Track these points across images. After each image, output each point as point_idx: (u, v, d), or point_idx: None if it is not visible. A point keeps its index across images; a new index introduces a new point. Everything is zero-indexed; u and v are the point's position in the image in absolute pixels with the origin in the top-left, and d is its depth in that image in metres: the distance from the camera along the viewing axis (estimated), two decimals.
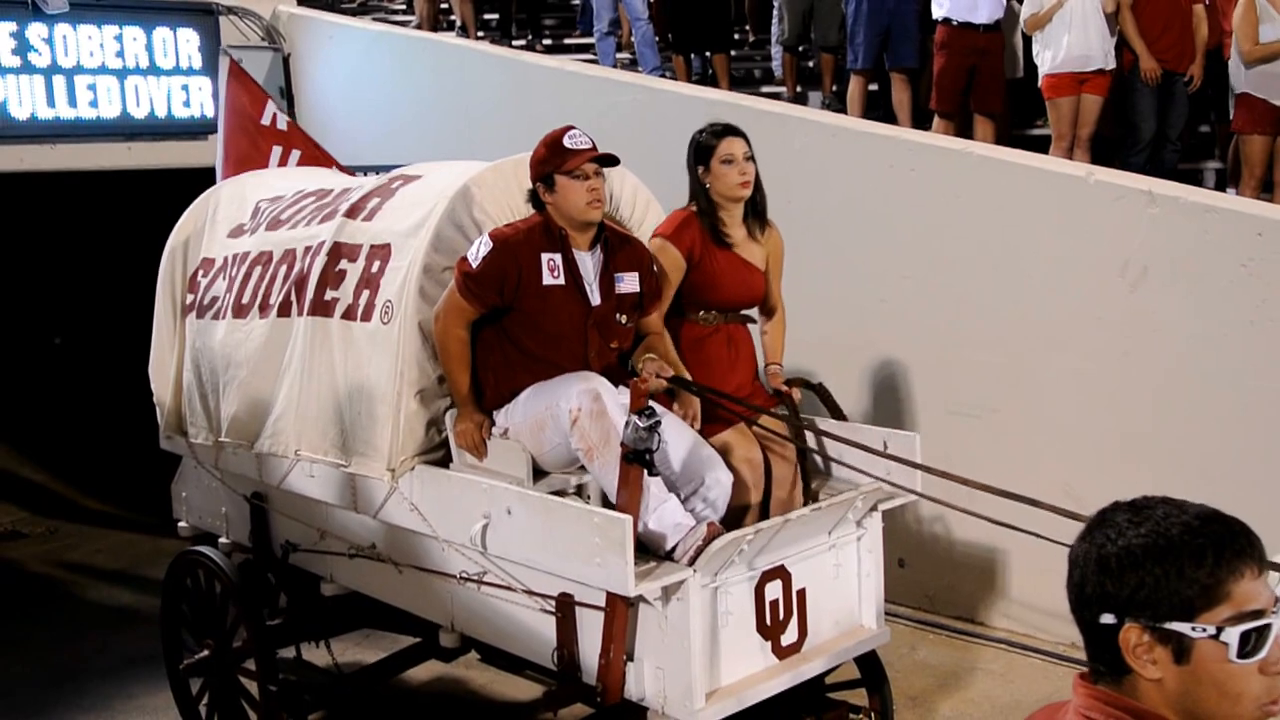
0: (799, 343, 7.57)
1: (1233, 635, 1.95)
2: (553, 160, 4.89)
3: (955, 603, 7.59)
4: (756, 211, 5.55)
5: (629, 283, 5.09)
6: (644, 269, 5.17)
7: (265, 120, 8.06)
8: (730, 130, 5.44)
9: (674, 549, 4.46)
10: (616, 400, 4.70)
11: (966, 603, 7.55)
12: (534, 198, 5.02)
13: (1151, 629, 1.98)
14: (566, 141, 4.88)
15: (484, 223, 5.25)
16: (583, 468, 4.88)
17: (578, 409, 4.64)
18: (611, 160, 4.98)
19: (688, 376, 5.21)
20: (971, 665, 7.00)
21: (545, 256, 4.89)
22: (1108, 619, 2.02)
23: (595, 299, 4.99)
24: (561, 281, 4.92)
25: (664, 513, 4.53)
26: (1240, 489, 5.90)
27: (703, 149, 5.36)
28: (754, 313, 5.70)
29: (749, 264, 5.51)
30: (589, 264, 5.01)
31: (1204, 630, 1.95)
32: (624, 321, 5.12)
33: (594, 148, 4.91)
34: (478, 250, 4.85)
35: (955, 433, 7.23)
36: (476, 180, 5.33)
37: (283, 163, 7.86)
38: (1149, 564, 1.98)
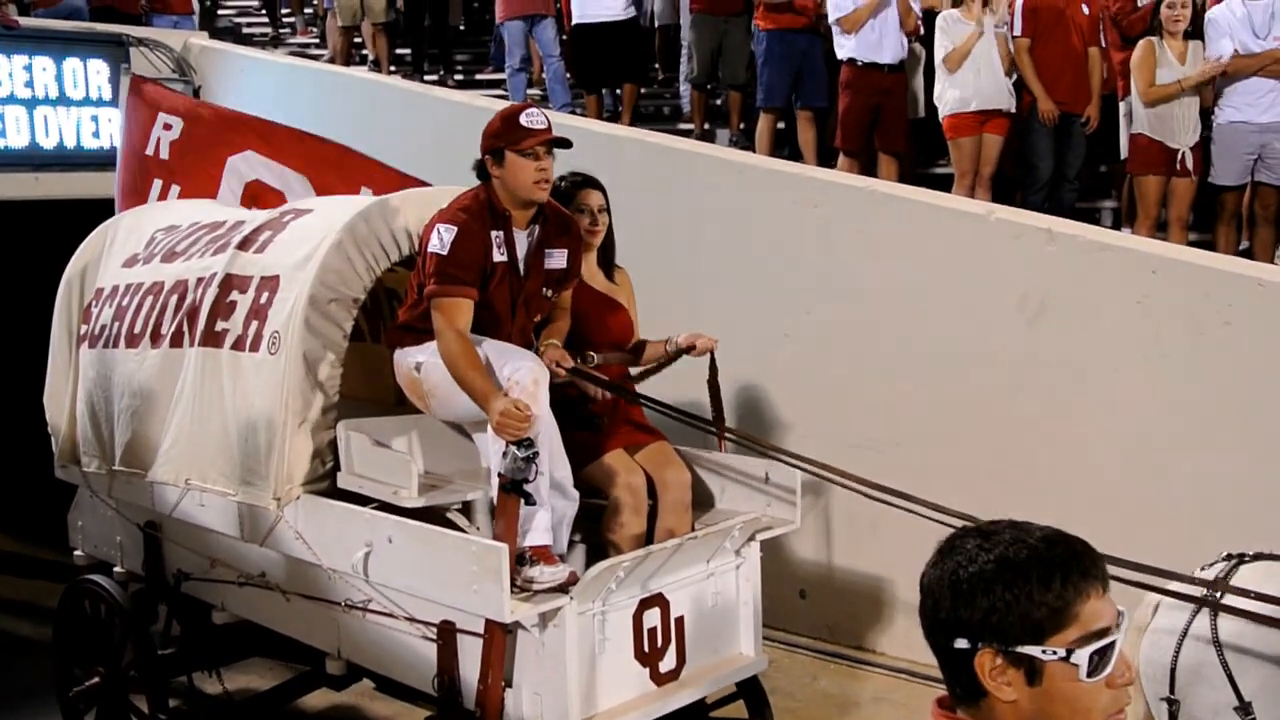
0: (703, 375, 7.66)
1: (1082, 656, 2.01)
2: (506, 135, 4.88)
3: (856, 633, 7.62)
4: (605, 260, 5.73)
5: (558, 258, 5.17)
6: (573, 245, 5.25)
7: (150, 149, 7.73)
8: (588, 182, 5.61)
9: (529, 557, 4.55)
10: (547, 399, 4.79)
11: (868, 633, 7.59)
12: (480, 169, 5.01)
13: (1004, 652, 2.03)
14: (523, 119, 4.88)
15: (372, 258, 5.33)
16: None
17: (517, 383, 4.68)
18: (564, 143, 4.97)
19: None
20: (873, 695, 7.03)
21: (493, 234, 4.94)
22: (962, 644, 2.06)
23: (526, 276, 5.06)
24: (505, 258, 4.97)
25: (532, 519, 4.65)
26: (1132, 520, 6.02)
27: (561, 197, 5.42)
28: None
29: (613, 300, 5.67)
30: (523, 241, 5.06)
31: (1054, 653, 2.01)
32: (549, 295, 5.22)
33: (549, 129, 4.91)
34: (442, 239, 4.83)
35: (858, 466, 7.26)
36: (364, 214, 5.38)
37: (162, 197, 7.52)
38: (998, 589, 2.02)
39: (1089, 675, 2.02)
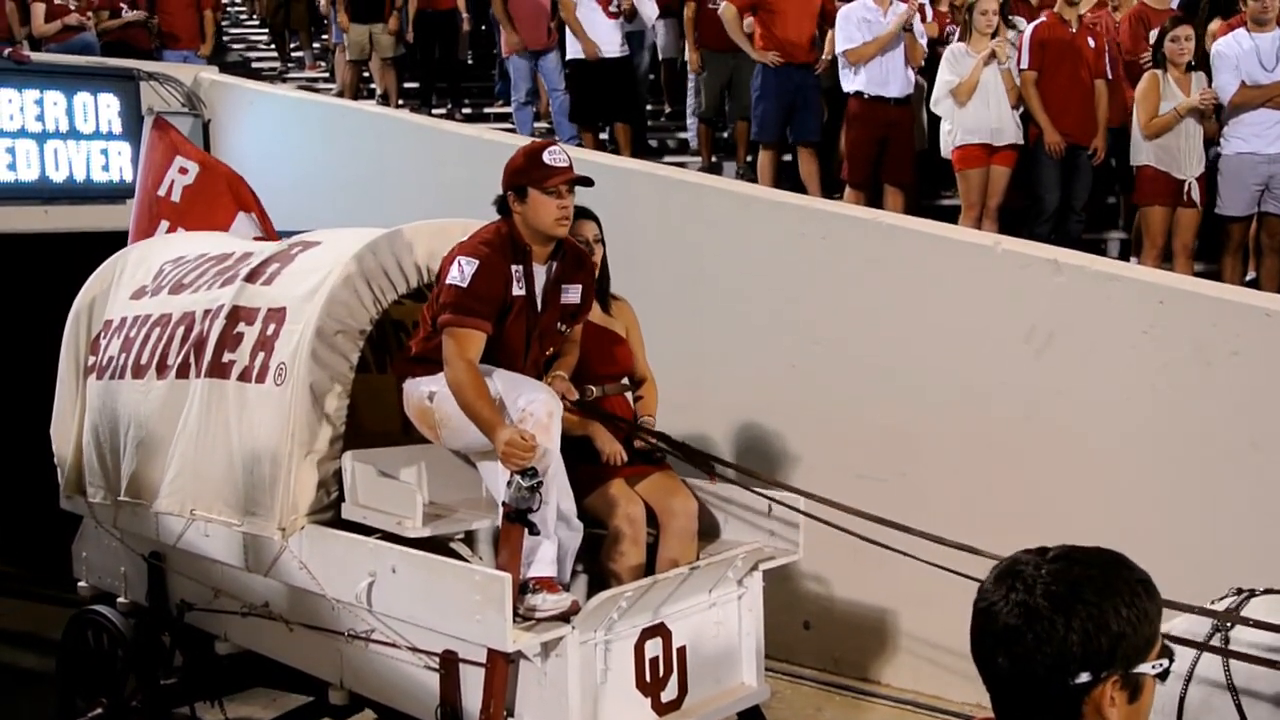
0: (709, 407, 7.67)
1: (1176, 663, 2.07)
2: (529, 173, 4.90)
3: (861, 664, 7.61)
4: (600, 291, 5.71)
5: (572, 293, 5.19)
6: (586, 279, 5.27)
7: (162, 190, 7.80)
8: (582, 213, 5.57)
9: (531, 587, 4.57)
10: (559, 431, 4.81)
11: (872, 664, 7.57)
12: (501, 204, 5.03)
13: (1124, 676, 2.01)
14: (546, 157, 4.90)
15: (380, 290, 5.35)
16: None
17: (531, 414, 4.70)
18: (587, 181, 5.00)
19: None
20: None
21: (513, 268, 4.95)
22: (1084, 678, 1.99)
23: (542, 310, 5.08)
24: (524, 292, 4.99)
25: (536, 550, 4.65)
26: (1141, 551, 5.97)
27: None
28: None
29: (610, 331, 5.68)
30: (541, 276, 5.08)
31: (1159, 665, 2.03)
32: (563, 329, 5.24)
33: (571, 168, 4.93)
34: (462, 271, 4.83)
35: (865, 496, 7.23)
36: (372, 246, 5.40)
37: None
38: (1124, 611, 2.00)
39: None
